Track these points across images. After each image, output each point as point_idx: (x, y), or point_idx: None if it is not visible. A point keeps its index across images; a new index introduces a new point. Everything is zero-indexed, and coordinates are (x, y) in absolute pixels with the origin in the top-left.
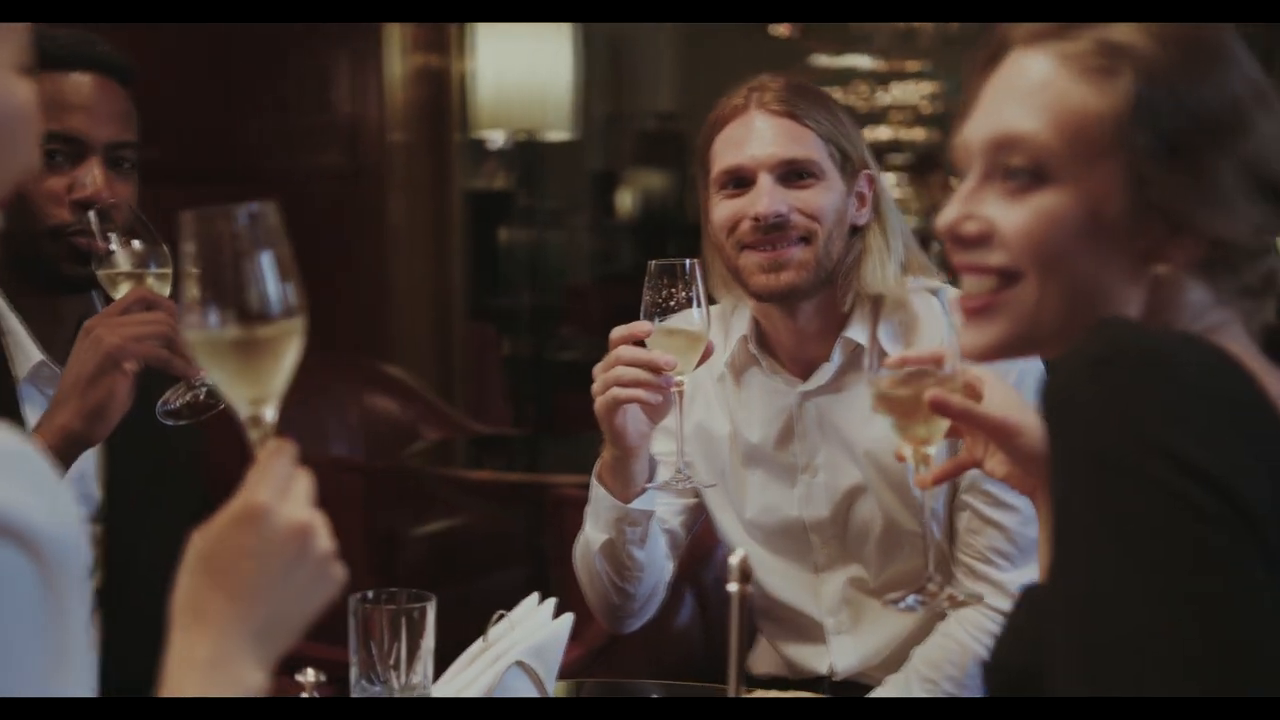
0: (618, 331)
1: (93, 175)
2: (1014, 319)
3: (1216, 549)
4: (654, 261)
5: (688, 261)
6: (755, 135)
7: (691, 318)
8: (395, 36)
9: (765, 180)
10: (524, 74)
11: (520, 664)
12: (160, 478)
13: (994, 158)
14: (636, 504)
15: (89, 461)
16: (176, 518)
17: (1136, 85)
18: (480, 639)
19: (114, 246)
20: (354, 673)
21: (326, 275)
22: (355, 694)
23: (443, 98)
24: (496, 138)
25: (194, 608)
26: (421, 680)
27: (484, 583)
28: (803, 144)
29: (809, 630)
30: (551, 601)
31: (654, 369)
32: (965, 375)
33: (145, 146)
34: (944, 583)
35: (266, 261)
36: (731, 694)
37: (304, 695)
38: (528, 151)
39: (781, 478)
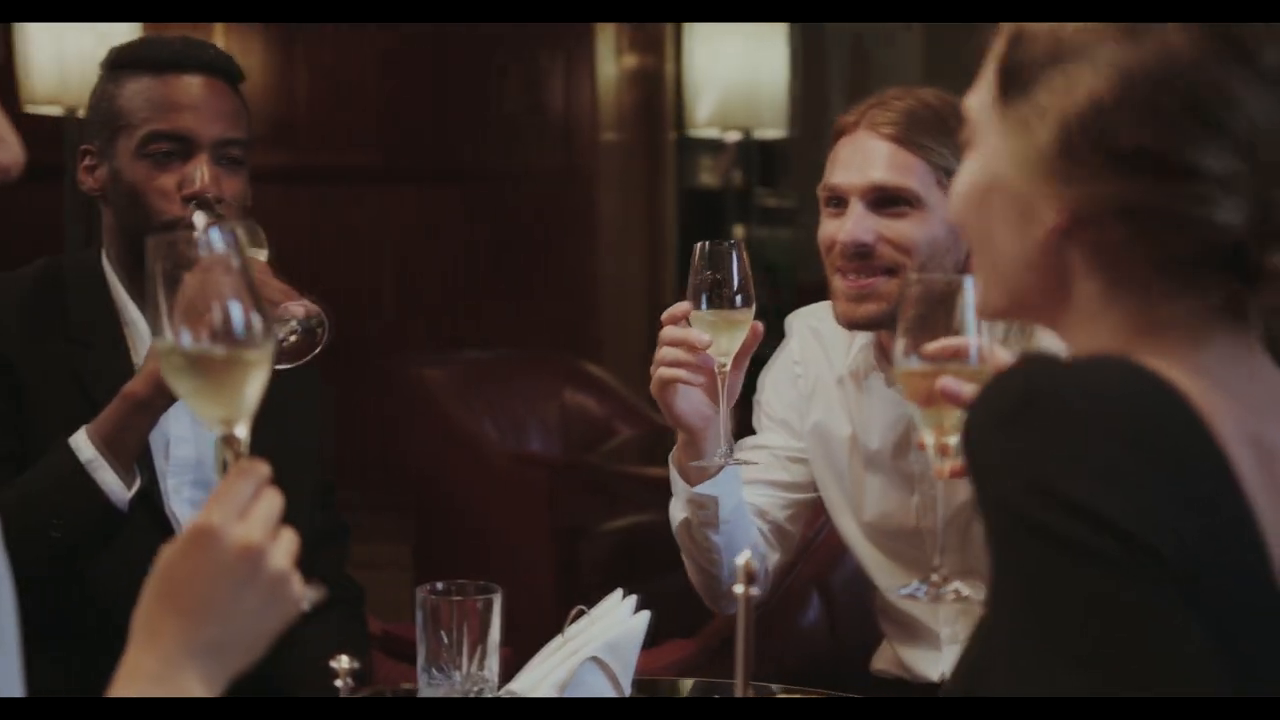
0: (666, 312)
1: (201, 171)
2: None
3: (1117, 598)
4: (700, 243)
5: (732, 243)
6: (857, 156)
7: (733, 300)
8: (608, 36)
9: (855, 205)
10: (738, 72)
11: (595, 660)
12: (276, 466)
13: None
14: (702, 488)
15: (208, 449)
16: (291, 505)
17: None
18: (560, 634)
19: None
20: (420, 662)
21: (536, 273)
22: (421, 683)
23: (656, 96)
24: (712, 136)
25: (147, 624)
26: (487, 673)
27: (667, 580)
28: (903, 171)
29: (925, 636)
30: (632, 599)
31: (691, 349)
32: (995, 366)
33: (365, 149)
34: (951, 576)
35: (235, 284)
36: (739, 695)
37: (337, 682)
38: (746, 150)
39: (900, 485)
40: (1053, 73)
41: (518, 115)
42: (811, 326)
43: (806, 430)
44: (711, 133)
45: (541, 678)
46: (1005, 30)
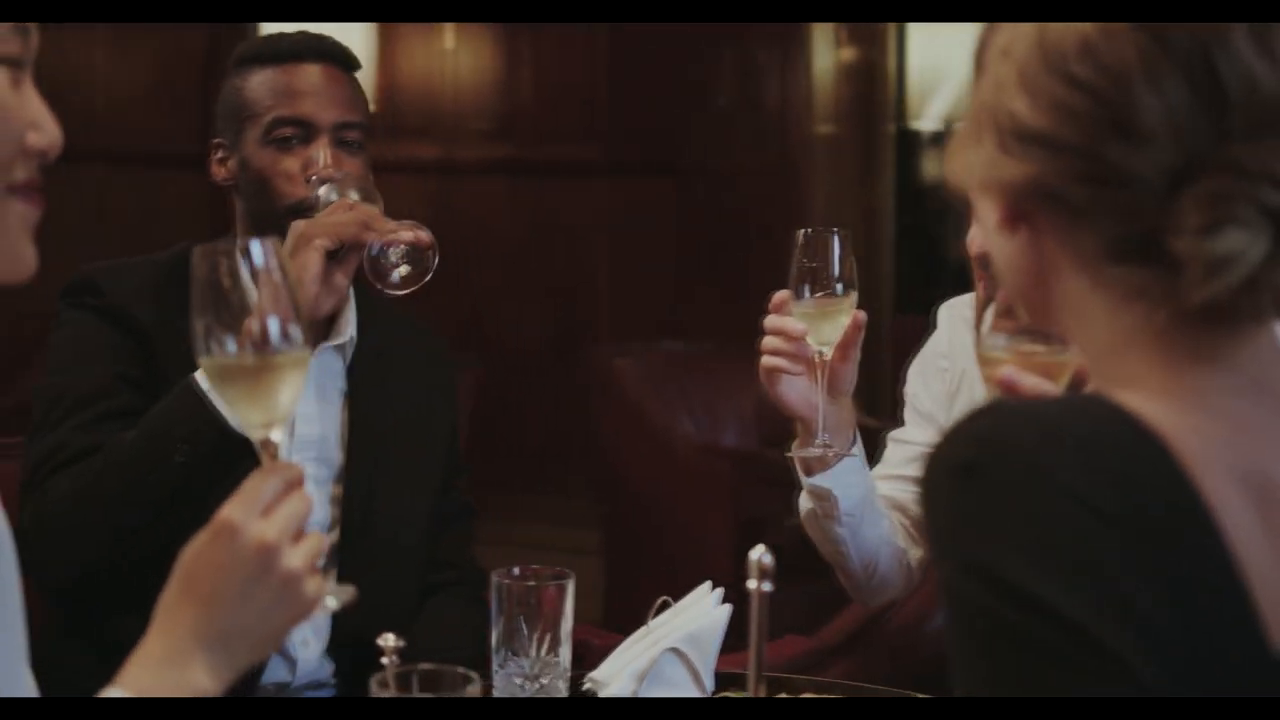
0: (771, 299)
1: (323, 153)
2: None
3: (1069, 692)
4: (802, 230)
5: (833, 232)
6: None
7: (833, 288)
8: (826, 29)
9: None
10: (965, 64)
11: (675, 651)
12: (401, 445)
13: None
14: (818, 480)
15: (332, 427)
16: (413, 485)
17: None
18: (644, 625)
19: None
20: (492, 645)
21: (748, 269)
22: (493, 666)
23: (874, 90)
24: (930, 129)
25: (166, 610)
26: (559, 660)
27: None
28: None
29: None
30: (719, 591)
31: (789, 337)
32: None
33: (584, 144)
34: None
35: (273, 296)
36: (751, 693)
37: (383, 660)
38: None
39: None
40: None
41: (732, 110)
42: (965, 317)
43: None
44: (934, 126)
45: (621, 667)
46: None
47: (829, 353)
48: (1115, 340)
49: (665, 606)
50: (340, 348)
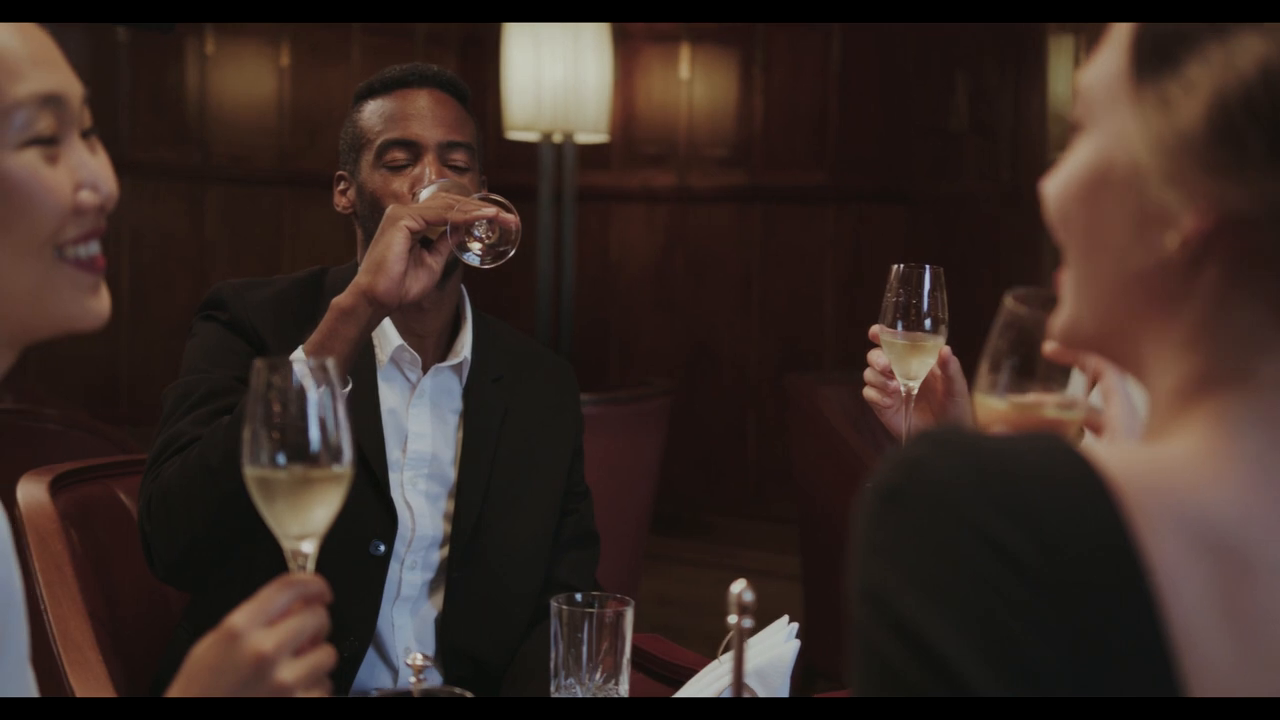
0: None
1: (428, 170)
2: (1064, 297)
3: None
4: (897, 265)
5: (925, 268)
6: None
7: (921, 324)
8: (1064, 46)
9: None
10: None
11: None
12: (515, 467)
13: None
14: None
15: (446, 445)
16: (526, 507)
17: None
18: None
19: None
20: (551, 669)
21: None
22: (553, 689)
23: None
24: None
25: (173, 699)
26: (618, 687)
27: None
28: None
29: None
30: (793, 626)
31: (881, 371)
32: (1087, 411)
33: (813, 170)
34: None
35: (320, 411)
36: None
37: (413, 679)
38: None
39: None
40: (1209, 39)
41: (963, 134)
42: None
43: None
44: None
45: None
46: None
47: (915, 387)
48: (1203, 381)
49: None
50: (457, 368)
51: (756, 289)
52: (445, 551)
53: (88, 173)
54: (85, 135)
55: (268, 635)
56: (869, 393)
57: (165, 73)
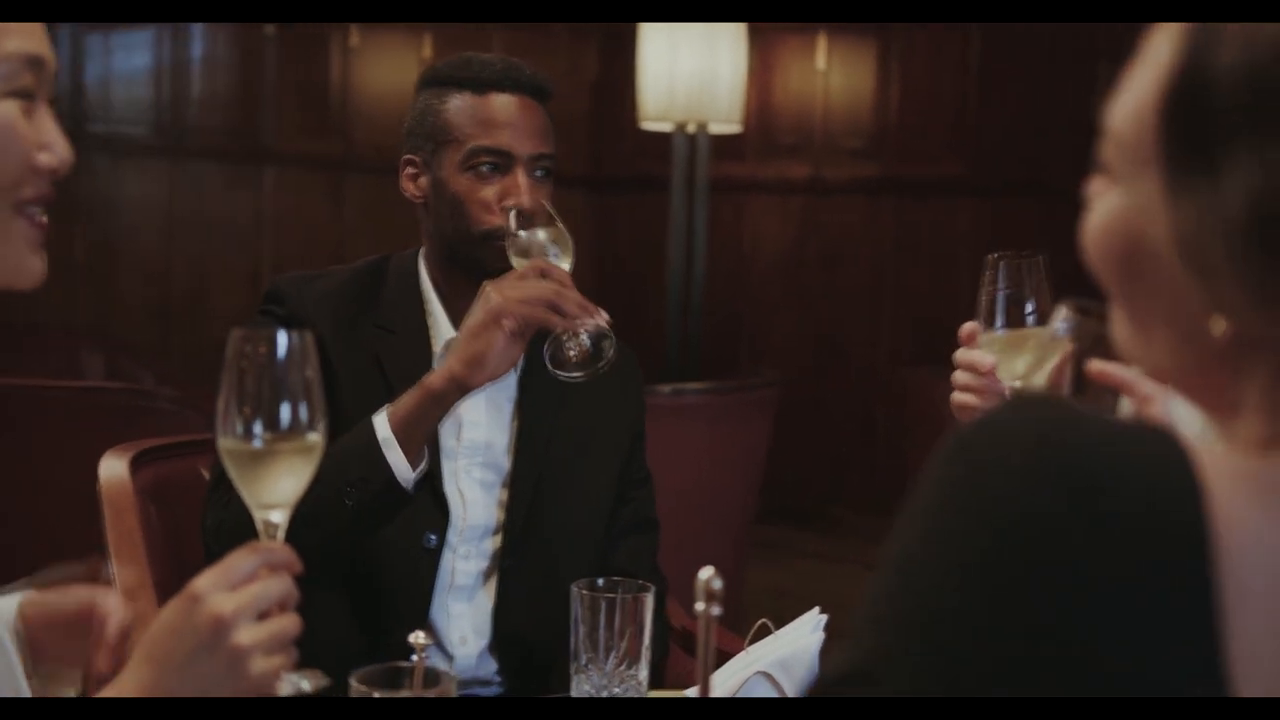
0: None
1: (519, 184)
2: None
3: None
4: (993, 255)
5: (1027, 256)
6: None
7: (1026, 319)
8: None
9: None
10: None
11: (765, 675)
12: (571, 454)
13: None
14: None
15: (500, 434)
16: (582, 494)
17: (1178, 60)
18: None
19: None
20: (570, 654)
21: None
22: (572, 671)
23: None
24: None
25: (130, 663)
26: (636, 674)
27: None
28: None
29: None
30: (822, 618)
31: (978, 372)
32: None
33: (949, 162)
34: None
35: (290, 383)
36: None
37: (415, 656)
38: None
39: None
40: (1246, 130)
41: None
42: None
43: None
44: None
45: (713, 687)
46: (1176, 33)
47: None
48: None
49: (765, 630)
50: None
51: (889, 282)
52: (499, 540)
53: (52, 136)
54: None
55: (228, 599)
56: (963, 399)
57: (311, 66)
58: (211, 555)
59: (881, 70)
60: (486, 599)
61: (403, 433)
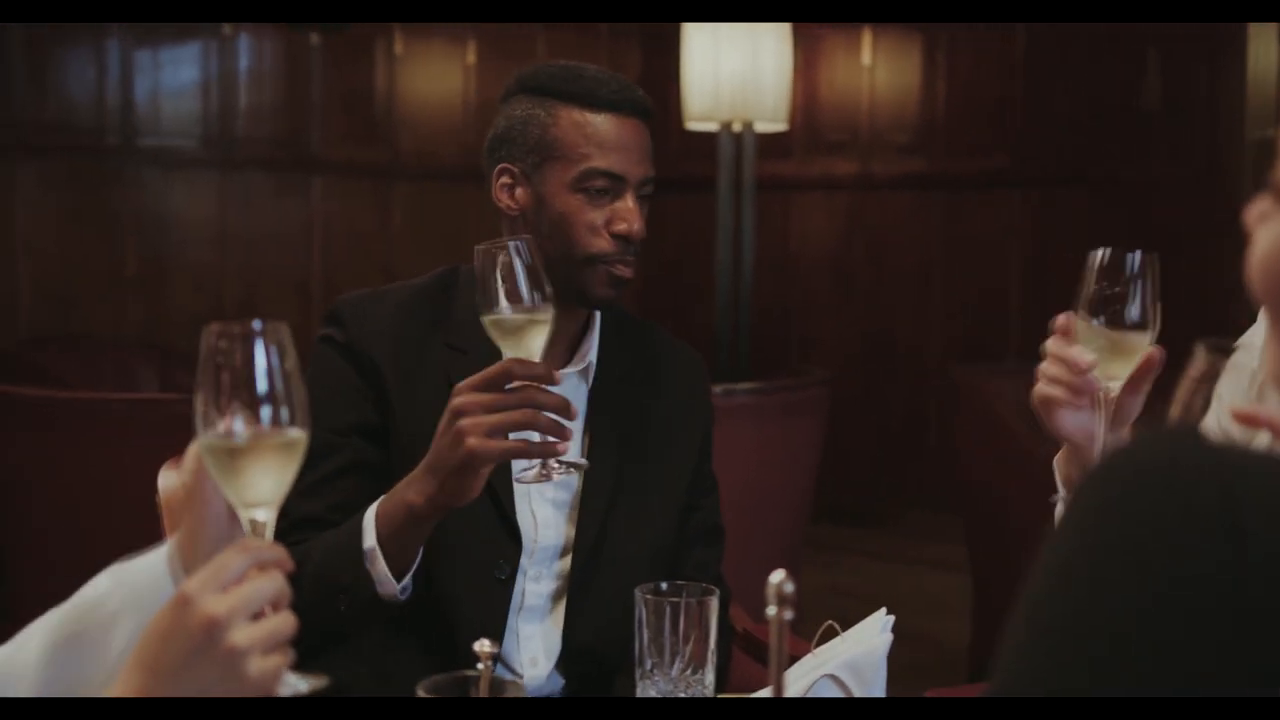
0: (1054, 322)
1: (630, 210)
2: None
3: None
4: (1099, 250)
5: (1135, 254)
6: None
7: (1126, 318)
8: (1265, 27)
9: None
10: None
11: (833, 678)
12: (641, 467)
13: None
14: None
15: (571, 450)
16: (652, 507)
17: None
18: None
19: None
20: (635, 658)
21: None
22: (637, 677)
23: None
24: None
25: (123, 668)
26: (702, 678)
27: None
28: None
29: None
30: (890, 619)
31: (1074, 368)
32: None
33: (996, 154)
34: None
35: (269, 379)
36: None
37: (479, 665)
38: None
39: None
40: None
41: (1154, 114)
42: None
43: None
44: None
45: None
46: None
47: (1117, 389)
48: None
49: (831, 632)
50: (583, 372)
51: (937, 277)
52: (570, 559)
53: None
54: None
55: (220, 600)
56: (1052, 391)
57: (356, 74)
58: None
59: (927, 65)
60: (557, 618)
61: (389, 544)
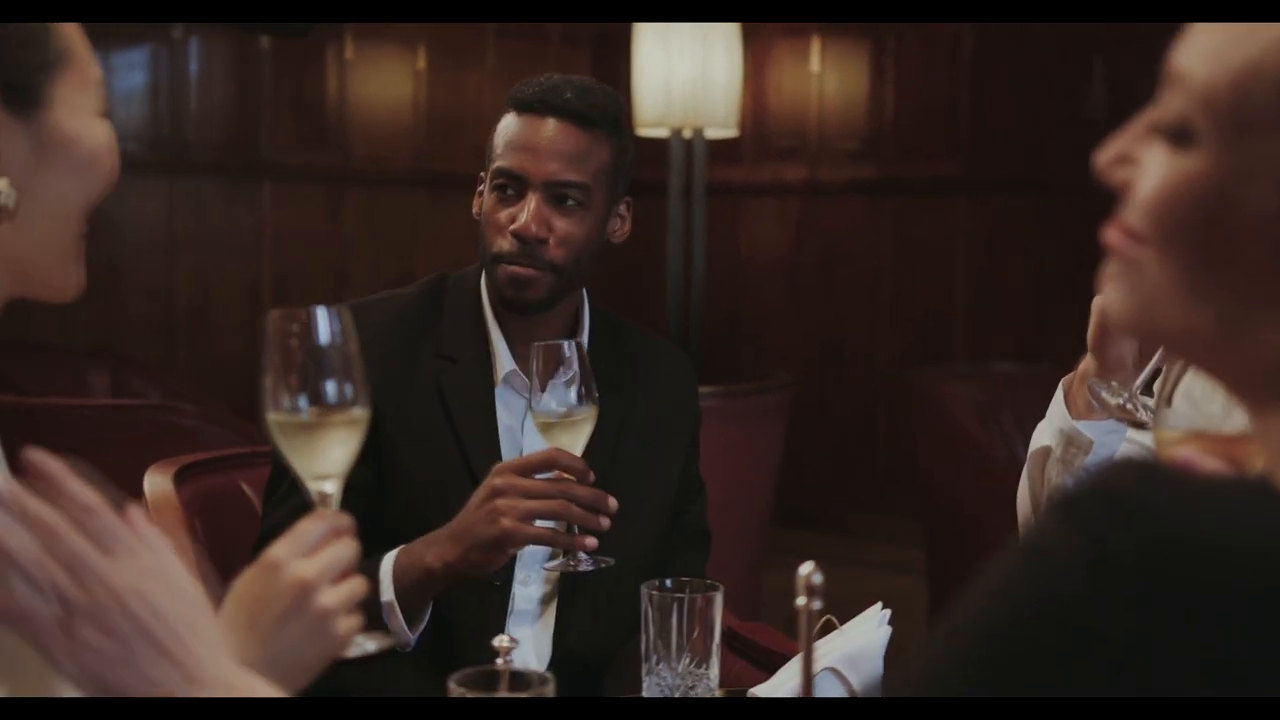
0: None
1: (526, 210)
2: (1132, 290)
3: None
4: None
5: None
6: None
7: None
8: None
9: None
10: None
11: (833, 671)
12: (631, 468)
13: (1165, 95)
14: (1083, 425)
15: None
16: (641, 508)
17: None
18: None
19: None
20: (643, 654)
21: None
22: (644, 672)
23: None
24: None
25: (220, 635)
26: (706, 672)
27: None
28: None
29: None
30: (886, 613)
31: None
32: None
33: (945, 161)
34: None
35: (334, 358)
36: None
37: (498, 660)
38: None
39: None
40: None
41: (1099, 122)
42: None
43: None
44: None
45: (779, 685)
46: None
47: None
48: None
49: (830, 626)
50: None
51: (888, 282)
52: (560, 558)
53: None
54: None
55: (308, 564)
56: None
57: (306, 78)
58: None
59: (875, 71)
60: (547, 622)
61: (404, 600)
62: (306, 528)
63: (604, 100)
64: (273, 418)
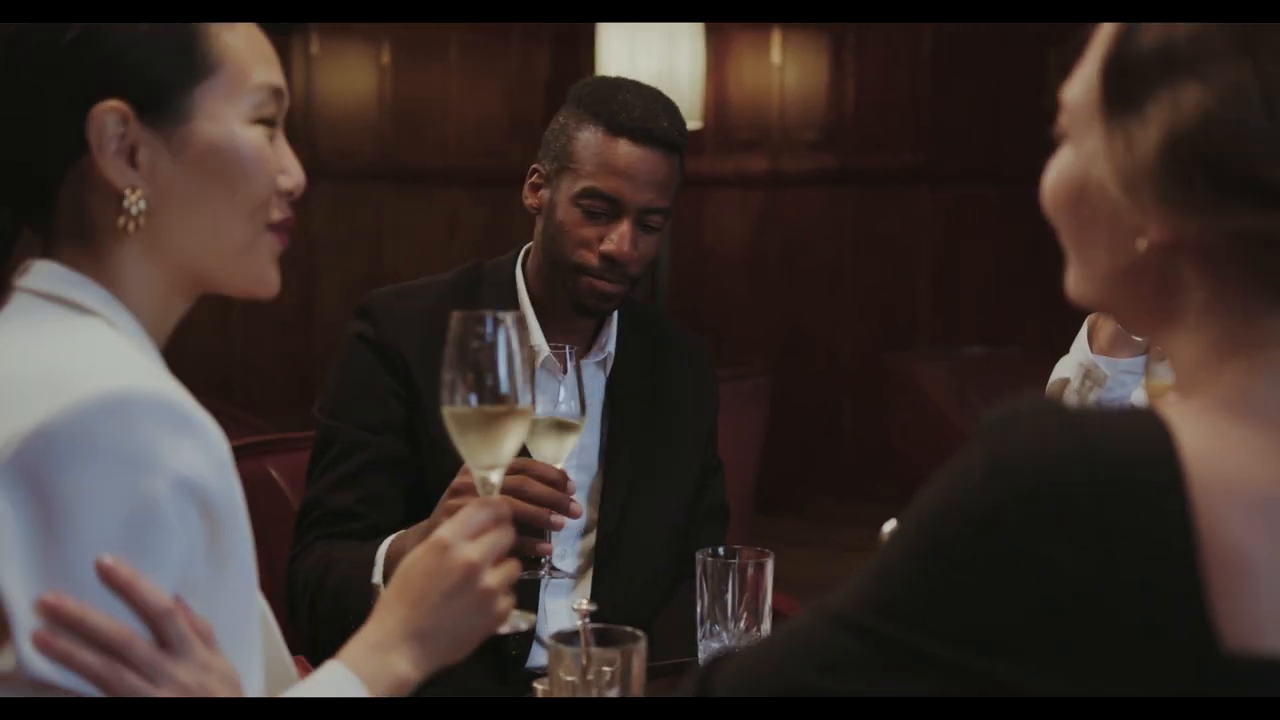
0: None
1: (623, 232)
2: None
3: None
4: None
5: None
6: None
7: None
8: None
9: None
10: None
11: None
12: (657, 451)
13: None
14: (1100, 360)
15: (592, 437)
16: (667, 488)
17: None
18: None
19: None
20: (698, 619)
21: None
22: (699, 637)
23: None
24: None
25: (383, 604)
26: (760, 634)
27: None
28: None
29: None
30: None
31: None
32: None
33: (906, 152)
34: None
35: (508, 358)
36: None
37: (577, 621)
38: None
39: None
40: (1161, 84)
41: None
42: None
43: None
44: None
45: None
46: (1112, 28)
47: None
48: (1223, 348)
49: None
50: (601, 363)
51: (850, 272)
52: (593, 537)
53: (289, 160)
54: None
55: (474, 546)
56: None
57: None
58: (294, 607)
59: (835, 64)
60: (582, 593)
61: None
62: (473, 513)
63: (682, 123)
64: (449, 410)
